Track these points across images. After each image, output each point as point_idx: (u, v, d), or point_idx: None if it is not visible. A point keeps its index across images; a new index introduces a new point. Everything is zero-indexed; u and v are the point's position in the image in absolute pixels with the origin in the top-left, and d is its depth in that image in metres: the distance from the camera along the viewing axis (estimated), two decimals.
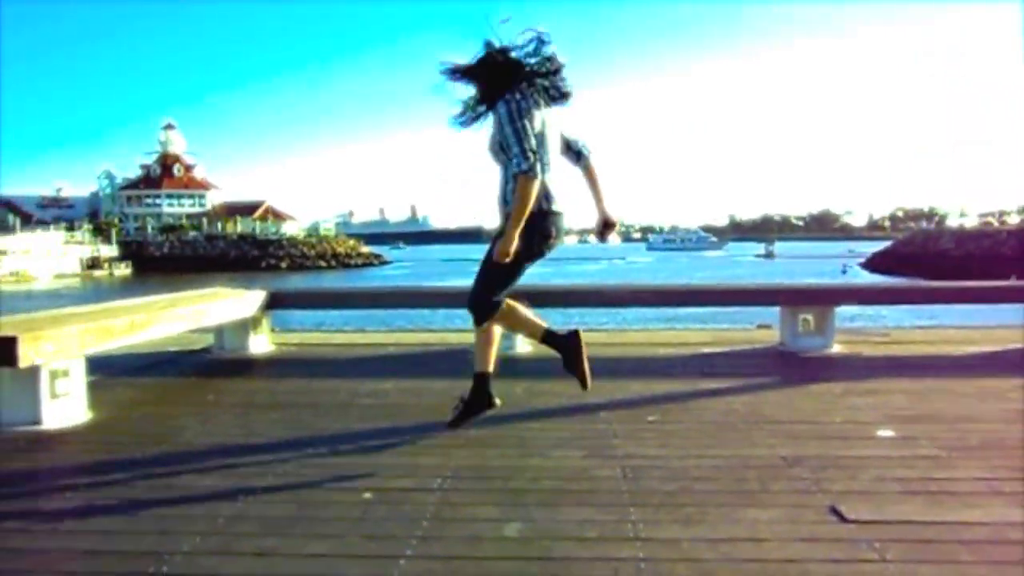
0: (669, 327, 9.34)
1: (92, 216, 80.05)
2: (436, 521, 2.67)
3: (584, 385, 3.54)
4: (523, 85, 3.41)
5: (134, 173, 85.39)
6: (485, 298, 3.53)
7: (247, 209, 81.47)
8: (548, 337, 3.59)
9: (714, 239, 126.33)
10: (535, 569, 2.30)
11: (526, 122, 3.32)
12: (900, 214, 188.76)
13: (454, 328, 9.23)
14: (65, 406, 4.06)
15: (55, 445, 3.73)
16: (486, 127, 3.55)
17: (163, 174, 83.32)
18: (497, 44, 3.46)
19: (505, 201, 3.44)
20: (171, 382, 5.37)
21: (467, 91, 3.55)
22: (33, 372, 3.88)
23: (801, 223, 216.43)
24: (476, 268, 3.60)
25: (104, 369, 5.13)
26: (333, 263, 74.57)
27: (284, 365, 6.01)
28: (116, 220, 77.87)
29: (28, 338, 3.74)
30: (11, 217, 73.28)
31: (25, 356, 3.72)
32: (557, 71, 3.45)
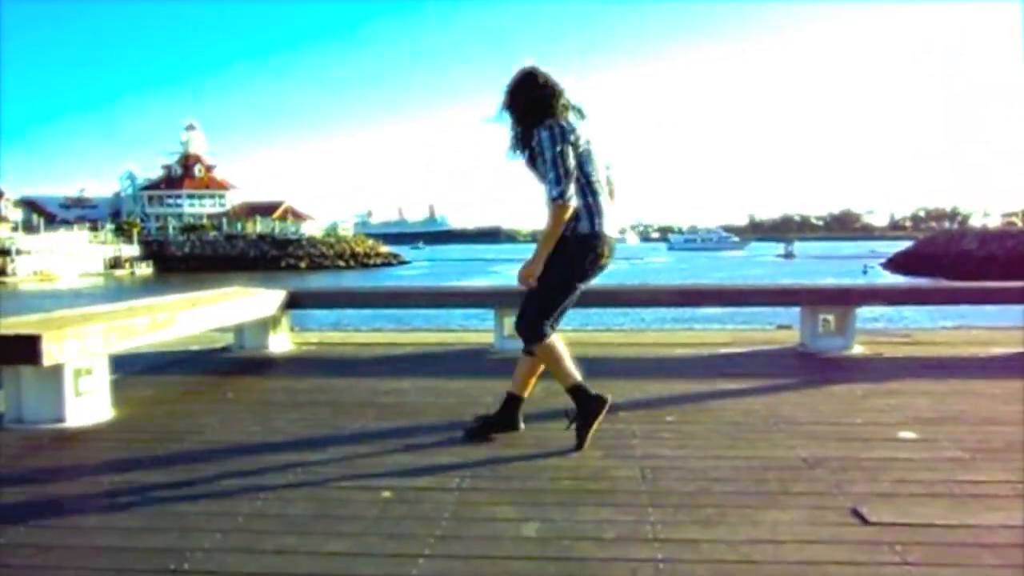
0: (688, 327, 9.31)
1: (114, 216, 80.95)
2: (454, 520, 2.67)
3: (578, 446, 3.46)
4: (560, 109, 3.44)
5: (155, 173, 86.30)
6: (536, 321, 3.48)
7: (267, 209, 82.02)
8: (576, 390, 3.50)
9: (736, 239, 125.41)
10: (553, 569, 2.30)
11: (567, 146, 3.34)
12: (922, 214, 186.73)
13: (472, 328, 9.26)
14: (88, 404, 4.10)
15: (78, 443, 3.77)
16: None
17: (184, 174, 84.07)
18: (538, 71, 3.51)
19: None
20: (192, 380, 5.42)
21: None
22: (57, 370, 3.93)
23: (821, 223, 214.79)
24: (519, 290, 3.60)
25: (127, 367, 5.19)
26: (352, 263, 74.92)
27: (303, 364, 6.05)
28: (138, 220, 78.67)
29: (52, 336, 3.79)
30: (35, 217, 74.26)
31: (49, 354, 3.77)
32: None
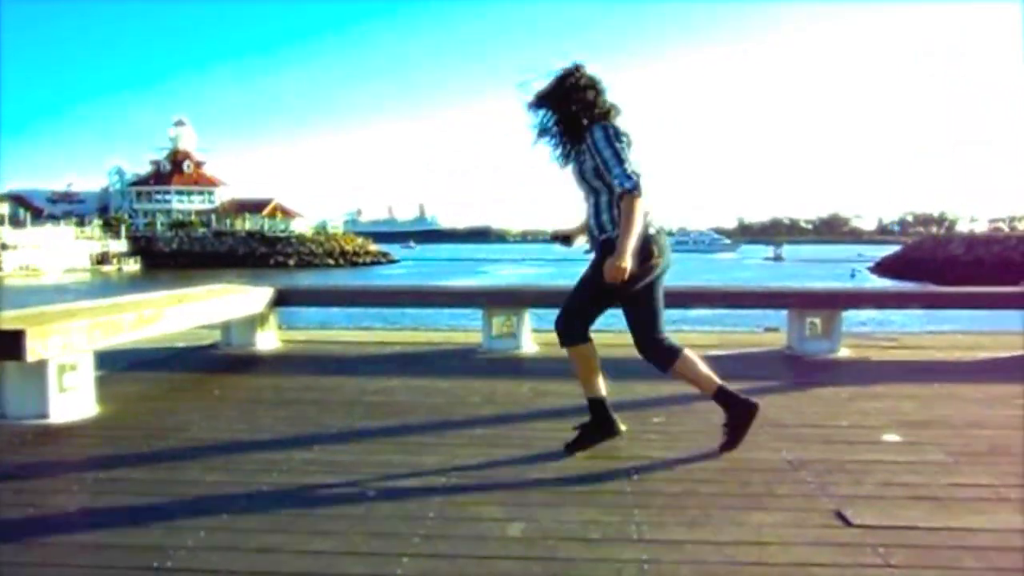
0: (676, 329, 9.31)
1: (102, 211, 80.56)
2: (440, 520, 2.67)
3: (571, 448, 3.44)
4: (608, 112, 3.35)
5: (144, 169, 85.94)
6: (656, 342, 3.38)
7: (256, 206, 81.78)
8: (598, 406, 3.47)
9: (727, 241, 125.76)
10: (538, 569, 2.30)
11: (624, 144, 3.24)
12: (910, 218, 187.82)
13: (461, 328, 9.24)
14: (73, 400, 4.08)
15: (62, 439, 3.75)
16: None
17: (173, 170, 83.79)
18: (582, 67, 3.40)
19: (601, 228, 3.34)
20: (178, 377, 5.39)
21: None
22: (41, 366, 3.90)
23: (810, 226, 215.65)
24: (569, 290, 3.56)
25: (112, 364, 5.16)
26: (341, 261, 74.73)
27: (291, 362, 6.03)
28: (126, 216, 78.25)
29: (36, 332, 3.76)
30: (21, 211, 73.70)
31: (33, 350, 3.74)
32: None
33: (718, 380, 3.43)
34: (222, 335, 6.41)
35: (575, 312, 3.47)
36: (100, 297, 5.83)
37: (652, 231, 3.31)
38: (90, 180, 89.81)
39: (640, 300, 3.35)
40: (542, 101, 3.42)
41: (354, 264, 74.68)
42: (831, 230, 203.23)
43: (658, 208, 3.37)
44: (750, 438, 3.68)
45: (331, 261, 73.73)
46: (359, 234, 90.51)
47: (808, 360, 5.96)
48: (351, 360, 6.16)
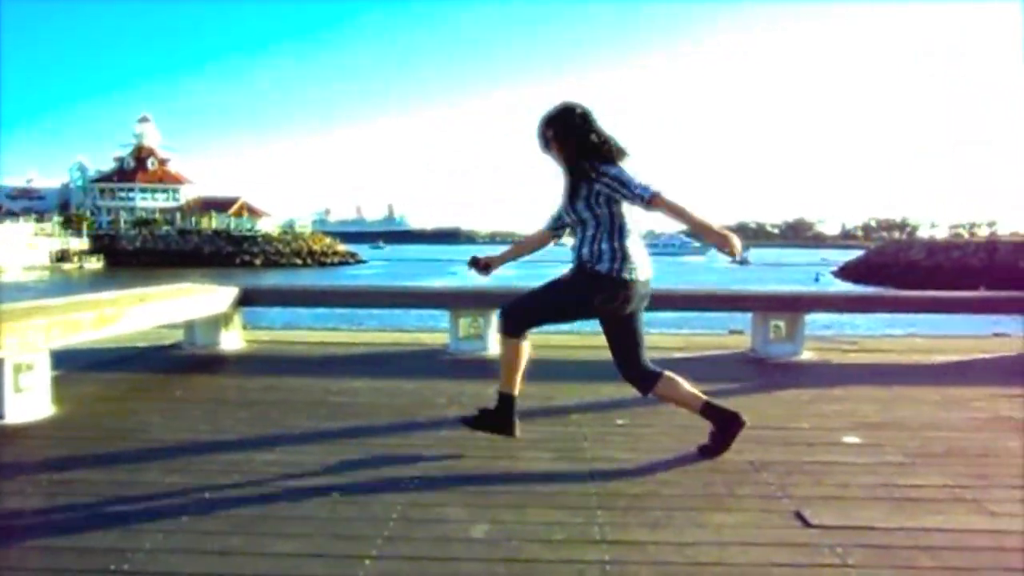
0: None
1: (63, 208, 78.98)
2: (404, 521, 2.66)
3: (466, 421, 3.50)
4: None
5: (107, 165, 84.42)
6: (639, 367, 3.39)
7: (222, 204, 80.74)
8: (507, 402, 3.45)
9: (697, 244, 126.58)
10: (501, 570, 2.30)
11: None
12: (873, 224, 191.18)
13: (428, 329, 9.22)
14: (28, 400, 3.99)
15: (17, 440, 3.66)
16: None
17: (137, 167, 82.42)
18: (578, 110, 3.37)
19: (580, 259, 3.32)
20: (139, 377, 5.31)
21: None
22: None
23: (776, 230, 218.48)
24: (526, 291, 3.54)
25: (70, 363, 5.06)
26: (309, 261, 74.09)
27: (255, 362, 5.96)
28: (88, 213, 76.82)
29: None
30: None
31: None
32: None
33: (703, 397, 3.45)
34: (185, 335, 6.32)
35: (533, 310, 3.47)
36: (60, 295, 5.72)
37: (633, 278, 3.29)
38: (52, 178, 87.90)
39: (623, 330, 3.38)
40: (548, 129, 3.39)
41: (322, 264, 74.08)
42: (797, 234, 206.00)
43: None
44: None
45: (298, 261, 73.08)
46: (327, 234, 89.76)
47: (771, 363, 6.03)
48: (316, 361, 6.11)
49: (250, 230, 77.47)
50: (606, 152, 3.30)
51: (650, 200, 3.18)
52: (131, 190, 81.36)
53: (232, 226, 77.16)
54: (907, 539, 2.53)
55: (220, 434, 3.77)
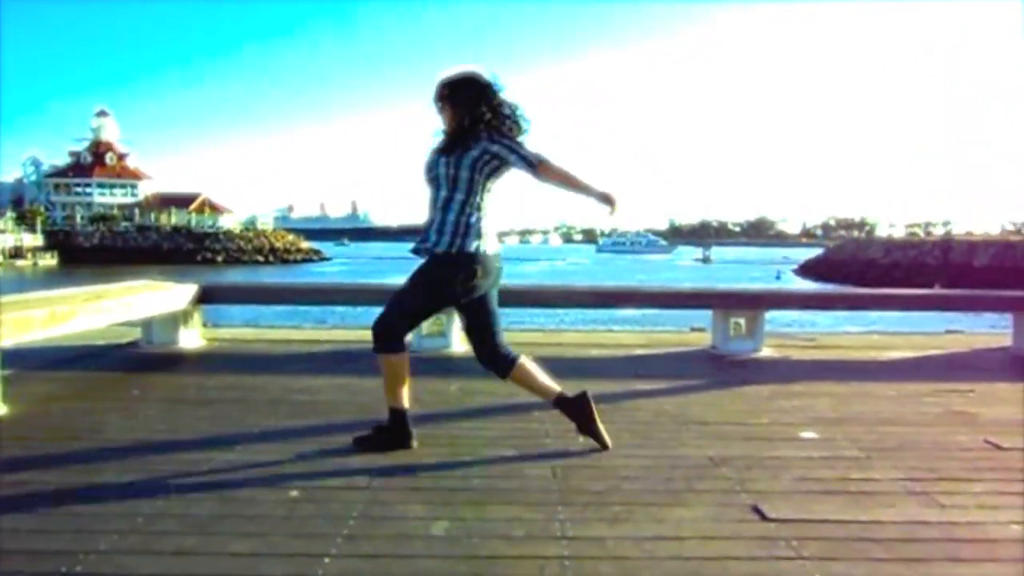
0: (607, 328, 9.43)
1: (16, 204, 77.10)
2: (363, 519, 2.64)
3: (357, 442, 3.47)
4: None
5: (63, 160, 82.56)
6: (495, 350, 3.42)
7: (183, 201, 79.54)
8: (399, 417, 3.48)
9: (663, 243, 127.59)
10: (461, 567, 2.30)
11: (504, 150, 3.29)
12: (832, 223, 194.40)
13: None
14: None
15: None
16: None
17: (95, 162, 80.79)
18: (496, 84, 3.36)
19: (430, 241, 3.34)
20: (94, 376, 5.21)
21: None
22: None
23: (738, 228, 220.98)
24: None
25: (23, 363, 4.94)
26: (271, 258, 73.35)
27: (215, 360, 5.88)
28: (42, 208, 75.10)
29: None
30: None
31: None
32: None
33: (557, 388, 3.49)
34: (143, 333, 6.21)
35: (400, 319, 3.45)
36: (12, 293, 5.58)
37: (481, 251, 3.31)
38: (6, 174, 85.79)
39: (477, 311, 3.41)
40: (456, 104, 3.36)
41: (285, 261, 73.38)
42: (758, 233, 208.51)
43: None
44: (674, 435, 3.77)
45: (260, 258, 72.32)
46: (290, 231, 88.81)
47: (731, 359, 6.10)
48: (277, 359, 6.05)
49: (211, 227, 76.42)
50: (502, 125, 3.31)
51: (538, 165, 3.24)
52: (88, 185, 79.79)
53: (193, 223, 76.07)
54: (861, 531, 2.58)
55: (177, 433, 3.72)
